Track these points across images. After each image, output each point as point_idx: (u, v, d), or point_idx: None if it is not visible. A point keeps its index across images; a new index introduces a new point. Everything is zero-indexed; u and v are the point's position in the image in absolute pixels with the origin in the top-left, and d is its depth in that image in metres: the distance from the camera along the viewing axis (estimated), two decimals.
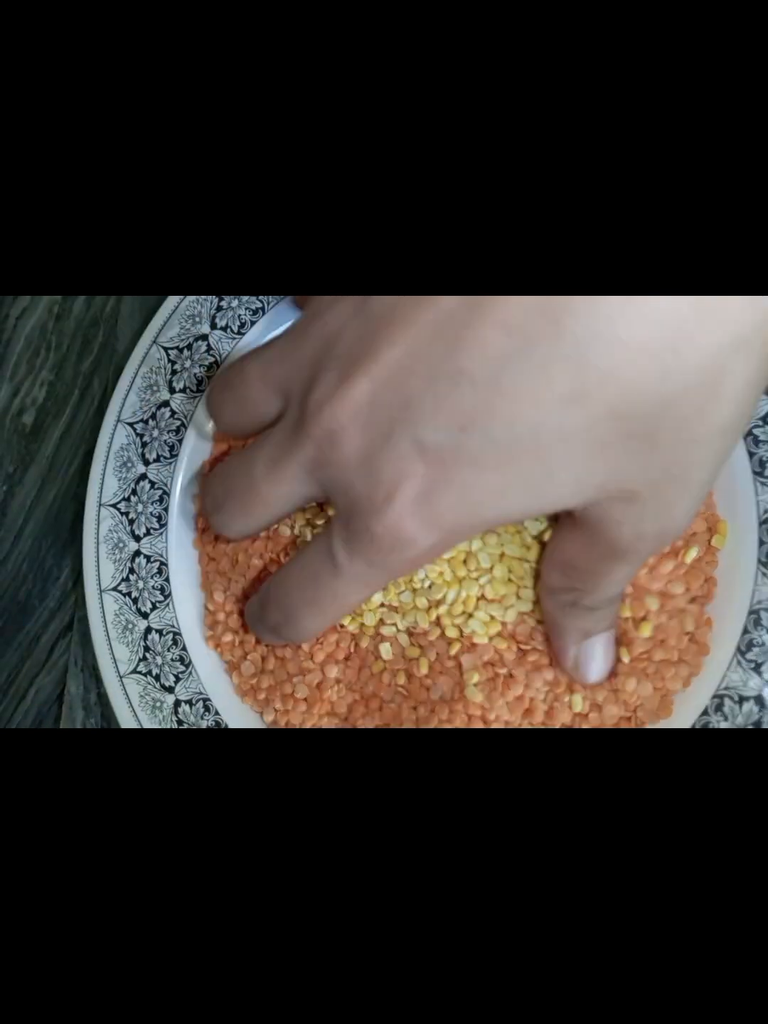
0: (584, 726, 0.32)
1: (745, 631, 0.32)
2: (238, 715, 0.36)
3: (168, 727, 0.36)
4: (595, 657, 0.30)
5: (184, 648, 0.37)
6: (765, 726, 0.31)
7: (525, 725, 0.32)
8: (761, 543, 0.32)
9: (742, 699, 0.31)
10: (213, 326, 0.37)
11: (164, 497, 0.37)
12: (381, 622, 0.33)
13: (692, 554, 0.33)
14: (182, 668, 0.37)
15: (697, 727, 0.32)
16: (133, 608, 0.37)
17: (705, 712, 0.32)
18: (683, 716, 0.32)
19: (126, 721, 0.36)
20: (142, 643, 0.37)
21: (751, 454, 0.33)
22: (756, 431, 0.33)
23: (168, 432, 0.37)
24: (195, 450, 0.37)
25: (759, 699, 0.31)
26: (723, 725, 0.31)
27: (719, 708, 0.32)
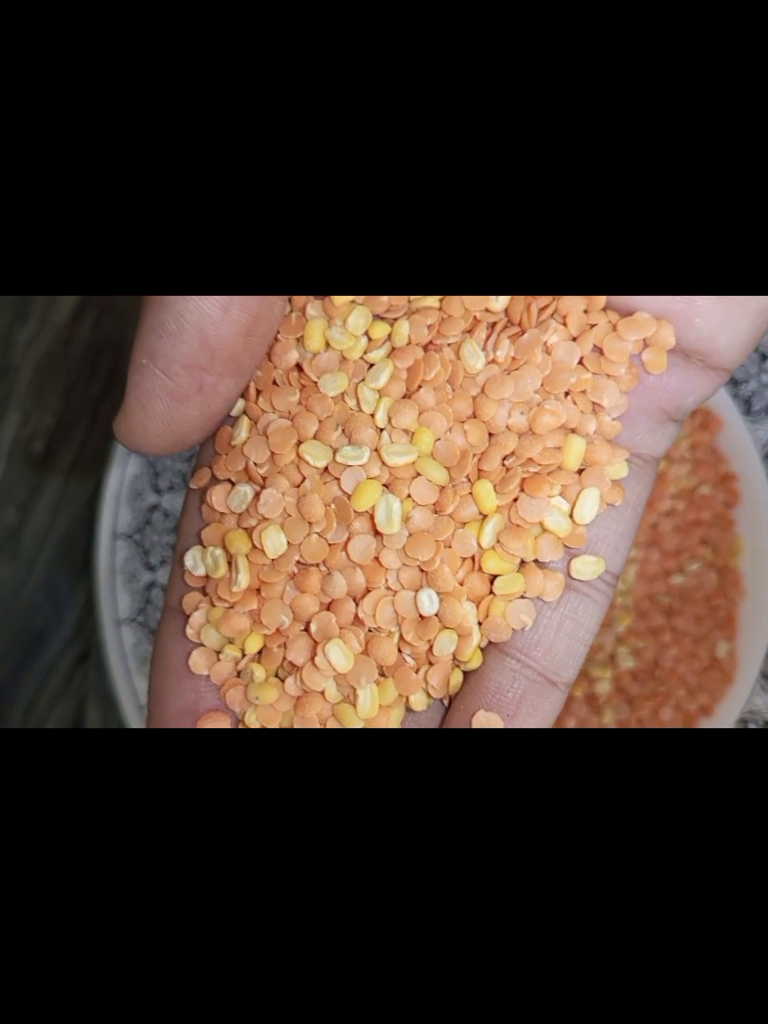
0: None
1: None
2: None
3: None
4: None
5: None
6: None
7: None
8: None
9: (767, 722, 0.31)
10: None
11: (176, 527, 0.37)
12: None
13: (711, 580, 0.32)
14: None
15: None
16: (152, 639, 0.37)
17: None
18: None
19: None
20: None
21: None
22: None
23: (180, 460, 0.37)
24: None
25: None
26: None
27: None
